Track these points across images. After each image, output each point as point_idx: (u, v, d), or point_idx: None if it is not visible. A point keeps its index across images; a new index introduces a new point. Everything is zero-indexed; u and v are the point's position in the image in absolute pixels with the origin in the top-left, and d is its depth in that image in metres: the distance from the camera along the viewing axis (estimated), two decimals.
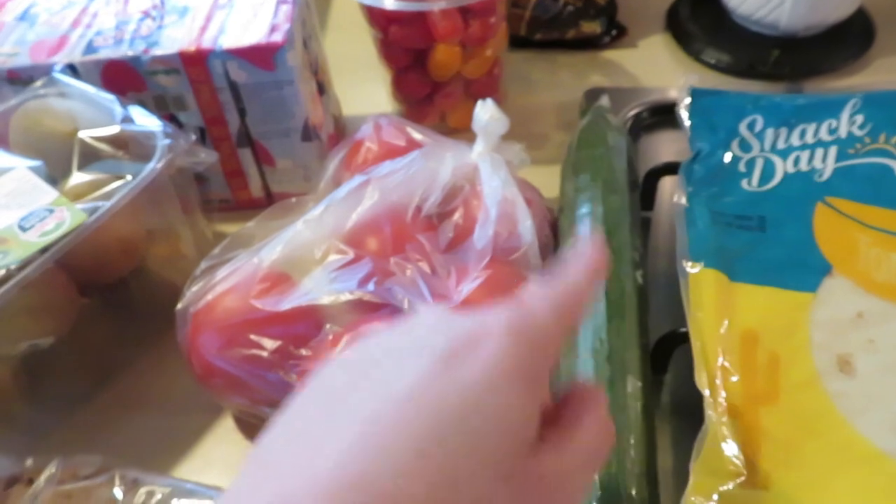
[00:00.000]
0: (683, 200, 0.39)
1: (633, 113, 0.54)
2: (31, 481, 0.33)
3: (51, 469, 0.33)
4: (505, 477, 0.19)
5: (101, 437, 0.40)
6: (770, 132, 0.41)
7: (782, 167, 0.39)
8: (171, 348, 0.42)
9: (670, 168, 0.46)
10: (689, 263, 0.36)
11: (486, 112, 0.40)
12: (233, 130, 0.47)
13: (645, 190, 0.47)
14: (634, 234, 0.40)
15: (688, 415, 0.39)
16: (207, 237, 0.47)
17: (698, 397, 0.38)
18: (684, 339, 0.37)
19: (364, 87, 0.58)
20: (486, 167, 0.40)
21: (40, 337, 0.36)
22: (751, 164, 0.40)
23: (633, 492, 0.29)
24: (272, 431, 0.20)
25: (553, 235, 0.42)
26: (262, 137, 0.48)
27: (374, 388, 0.19)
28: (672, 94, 0.55)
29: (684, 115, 0.43)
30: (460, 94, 0.54)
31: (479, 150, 0.41)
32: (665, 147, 0.53)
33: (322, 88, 0.52)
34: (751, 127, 0.42)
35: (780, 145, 0.40)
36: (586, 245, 0.24)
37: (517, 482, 0.19)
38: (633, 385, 0.32)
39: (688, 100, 0.44)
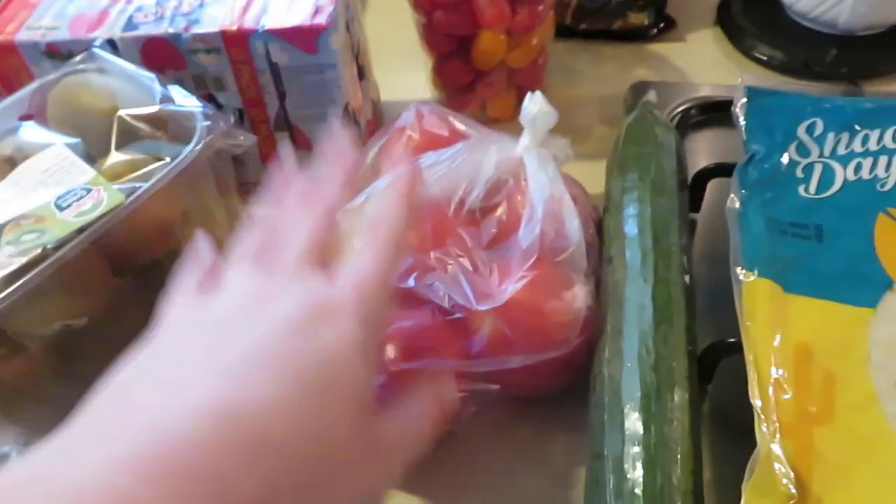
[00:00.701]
0: (737, 205, 0.38)
1: (680, 109, 0.52)
2: None
3: None
4: (354, 430, 0.22)
5: None
6: (831, 136, 0.39)
7: (842, 174, 0.38)
8: None
9: (721, 169, 0.44)
10: (743, 272, 0.34)
11: (535, 105, 0.39)
12: (271, 113, 0.47)
13: (692, 191, 0.46)
14: (683, 236, 0.39)
15: (729, 426, 0.38)
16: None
17: (741, 409, 0.37)
18: (731, 349, 0.36)
19: (403, 73, 0.57)
20: (533, 162, 0.39)
21: (74, 317, 0.36)
22: (809, 169, 0.38)
23: None
24: (125, 374, 0.22)
25: (598, 235, 0.41)
26: (301, 122, 0.47)
27: (235, 342, 0.22)
28: (721, 90, 0.54)
29: (739, 115, 0.41)
30: (503, 83, 0.53)
31: (525, 145, 0.40)
32: (713, 146, 0.51)
33: (362, 73, 0.50)
34: (810, 130, 0.40)
35: (841, 151, 0.38)
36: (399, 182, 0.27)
37: (363, 437, 0.22)
38: (681, 397, 0.31)
39: (743, 99, 0.42)
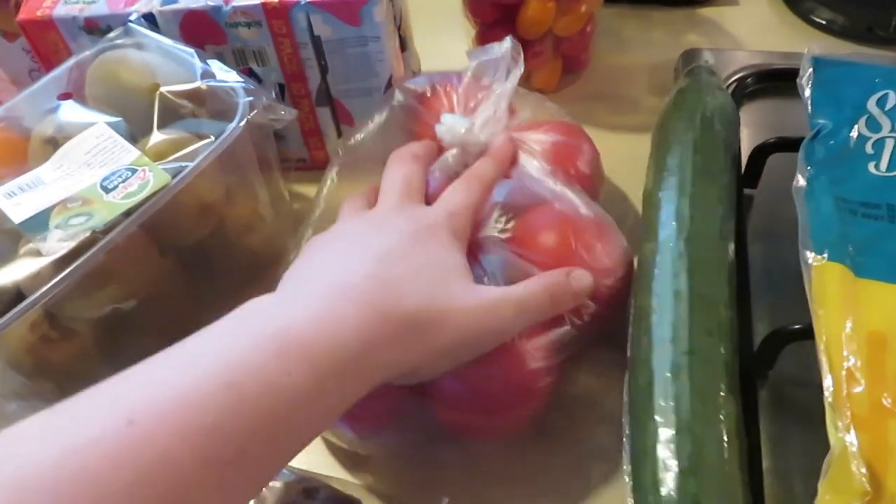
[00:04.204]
0: (803, 183, 0.36)
1: (735, 78, 0.50)
2: None
3: None
4: (459, 287, 0.31)
5: None
6: None
7: None
8: None
9: (781, 144, 0.42)
10: (813, 255, 0.33)
11: (446, 128, 0.37)
12: (312, 88, 0.45)
13: (750, 166, 0.44)
14: (729, 231, 0.38)
15: (788, 411, 0.36)
16: (284, 197, 0.45)
17: (803, 395, 0.36)
18: (795, 336, 0.35)
19: (443, 42, 0.55)
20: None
21: (123, 300, 0.36)
22: (880, 145, 0.36)
23: None
24: (317, 252, 0.32)
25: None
26: (343, 96, 0.46)
27: (377, 241, 0.32)
28: (777, 58, 0.51)
29: (805, 87, 0.39)
30: (549, 52, 0.51)
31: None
32: (770, 117, 0.49)
33: (404, 44, 0.49)
34: (881, 103, 0.37)
35: None
36: (495, 149, 0.37)
37: (465, 290, 0.31)
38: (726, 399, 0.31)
39: (809, 70, 0.39)
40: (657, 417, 0.31)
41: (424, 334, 0.29)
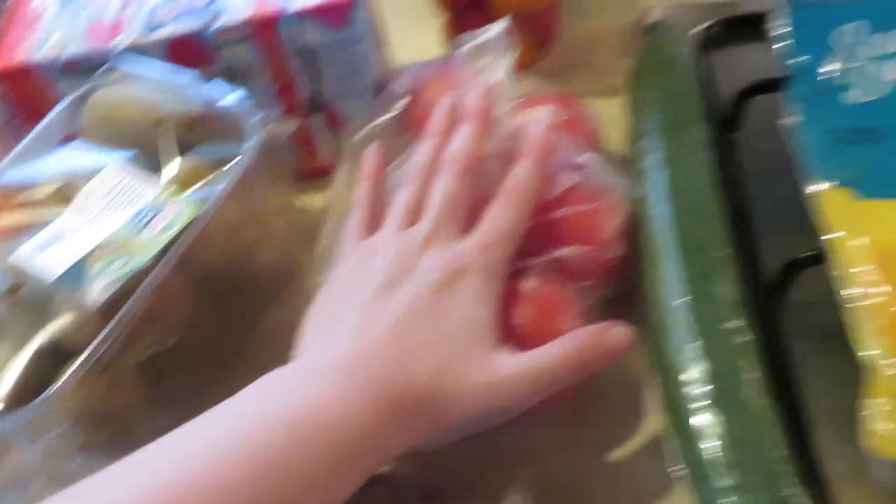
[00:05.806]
0: (793, 120, 0.38)
1: (700, 29, 0.52)
2: None
3: None
4: (475, 359, 0.29)
5: None
6: (878, 38, 0.39)
7: (894, 73, 0.38)
8: (276, 327, 0.42)
9: (762, 86, 0.45)
10: (815, 186, 0.35)
11: None
12: (303, 97, 0.46)
13: (733, 111, 0.46)
14: (714, 176, 0.40)
15: (812, 335, 0.39)
16: (294, 208, 0.46)
17: (821, 318, 0.38)
18: (809, 262, 0.37)
19: (407, 33, 0.56)
20: None
21: (167, 339, 0.36)
22: (858, 74, 0.39)
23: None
24: (322, 312, 0.32)
25: None
26: (336, 100, 0.46)
27: (393, 305, 0.29)
28: (737, 5, 0.53)
29: (778, 28, 0.42)
30: (524, 30, 0.52)
31: None
32: (743, 63, 0.51)
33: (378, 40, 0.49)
34: (854, 34, 0.40)
35: (891, 49, 0.39)
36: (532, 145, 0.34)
37: (480, 364, 0.29)
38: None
39: (779, 11, 0.42)
40: (673, 362, 0.33)
41: (432, 415, 0.28)
